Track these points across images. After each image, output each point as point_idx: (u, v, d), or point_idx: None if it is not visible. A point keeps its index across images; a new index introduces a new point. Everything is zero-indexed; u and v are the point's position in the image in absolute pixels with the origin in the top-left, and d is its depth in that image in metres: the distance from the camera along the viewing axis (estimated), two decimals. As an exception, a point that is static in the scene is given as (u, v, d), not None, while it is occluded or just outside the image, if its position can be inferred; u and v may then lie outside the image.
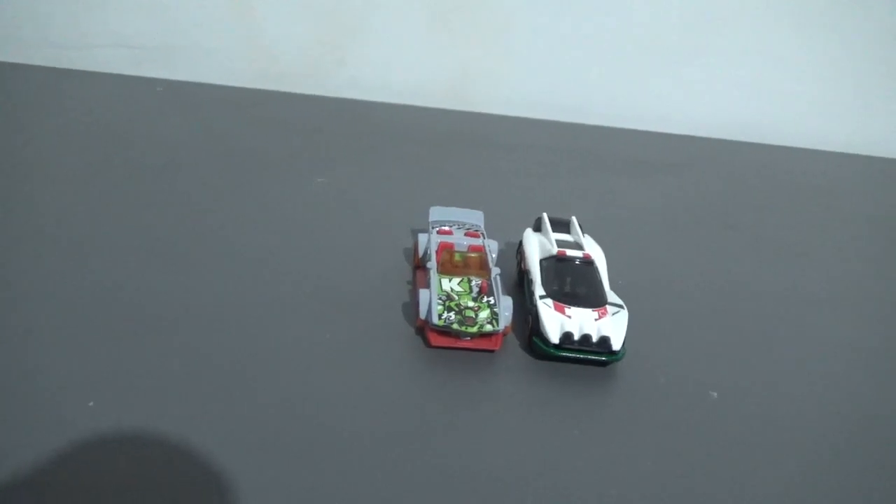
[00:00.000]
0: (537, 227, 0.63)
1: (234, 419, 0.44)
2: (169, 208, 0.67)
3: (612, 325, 0.52)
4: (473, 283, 0.54)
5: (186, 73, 1.01)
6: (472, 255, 0.57)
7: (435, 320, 0.51)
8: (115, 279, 0.55)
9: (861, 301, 0.67)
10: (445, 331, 0.51)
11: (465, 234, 0.60)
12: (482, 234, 0.60)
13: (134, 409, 0.43)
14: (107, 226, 0.63)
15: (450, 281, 0.54)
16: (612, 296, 0.55)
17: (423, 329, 0.53)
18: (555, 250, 0.57)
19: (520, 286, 0.61)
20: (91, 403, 0.43)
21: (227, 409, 0.44)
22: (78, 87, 0.94)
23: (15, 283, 0.54)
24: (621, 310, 0.54)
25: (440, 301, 0.52)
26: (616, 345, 0.51)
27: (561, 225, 0.62)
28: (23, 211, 0.64)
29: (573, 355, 0.51)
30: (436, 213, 0.62)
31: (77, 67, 0.99)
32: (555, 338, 0.51)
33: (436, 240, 0.58)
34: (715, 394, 0.52)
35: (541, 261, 0.57)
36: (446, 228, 0.60)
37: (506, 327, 0.52)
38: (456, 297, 0.53)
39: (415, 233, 0.64)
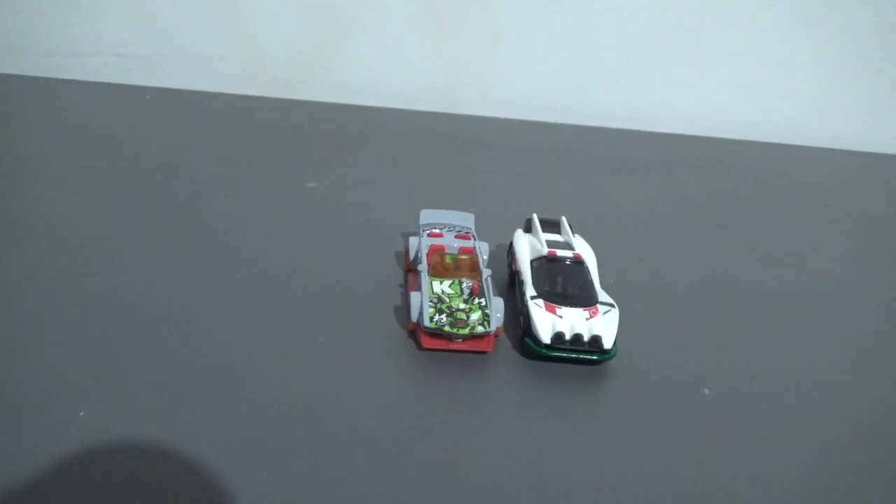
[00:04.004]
0: (528, 228, 0.63)
1: (226, 423, 0.44)
2: (159, 214, 0.67)
3: (603, 324, 0.52)
4: (464, 284, 0.54)
5: (176, 81, 1.00)
6: (463, 257, 0.57)
7: (426, 322, 0.51)
8: (106, 284, 0.55)
9: (853, 298, 0.68)
10: (437, 333, 0.51)
11: (456, 237, 0.60)
12: (473, 236, 0.61)
13: (124, 415, 0.43)
14: (98, 231, 0.63)
15: (441, 283, 0.54)
16: (602, 295, 0.55)
17: (415, 331, 0.53)
18: (545, 251, 0.57)
19: (511, 287, 0.61)
20: (82, 413, 0.43)
21: (219, 414, 0.44)
22: (67, 95, 0.94)
23: (5, 289, 0.54)
24: (612, 309, 0.54)
25: (431, 303, 0.52)
26: (607, 344, 0.51)
27: (551, 225, 0.62)
28: (12, 216, 0.64)
29: (565, 355, 0.51)
30: (426, 216, 0.62)
31: (66, 77, 0.99)
32: (546, 338, 0.51)
33: (426, 242, 0.58)
34: (707, 391, 0.52)
35: (531, 261, 0.57)
36: (437, 231, 0.60)
37: (497, 328, 0.52)
38: (447, 300, 0.53)
39: (406, 236, 0.64)
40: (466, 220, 0.63)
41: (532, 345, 0.52)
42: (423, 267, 0.55)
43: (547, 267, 0.56)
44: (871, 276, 0.73)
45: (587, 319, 0.52)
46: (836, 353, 0.59)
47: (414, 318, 0.52)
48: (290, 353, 0.50)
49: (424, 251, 0.57)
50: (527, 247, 0.60)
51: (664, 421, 0.49)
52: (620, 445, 0.46)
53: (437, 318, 0.51)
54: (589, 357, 0.52)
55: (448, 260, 0.57)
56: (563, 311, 0.52)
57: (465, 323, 0.51)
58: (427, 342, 0.52)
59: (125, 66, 1.01)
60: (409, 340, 0.53)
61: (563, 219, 0.63)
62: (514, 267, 0.60)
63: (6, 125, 0.85)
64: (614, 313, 0.53)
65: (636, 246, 0.72)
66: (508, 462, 0.44)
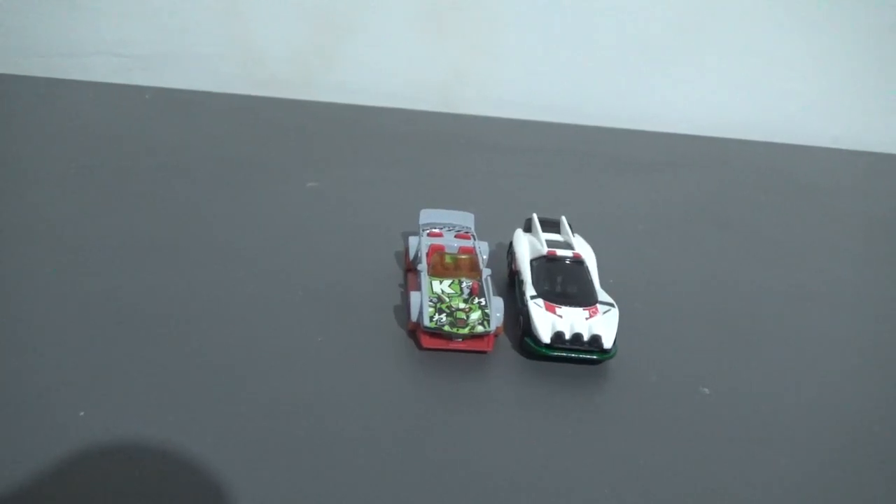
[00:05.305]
0: (527, 228, 0.63)
1: (226, 423, 0.44)
2: (159, 214, 0.67)
3: (603, 324, 0.52)
4: (464, 284, 0.54)
5: (176, 81, 1.00)
6: (463, 256, 0.57)
7: (426, 322, 0.51)
8: (106, 284, 0.55)
9: (853, 298, 0.68)
10: (437, 332, 0.51)
11: (456, 236, 0.60)
12: (473, 235, 0.61)
13: (124, 415, 0.43)
14: (98, 231, 0.63)
15: (441, 283, 0.54)
16: (602, 294, 0.55)
17: (415, 331, 0.53)
18: (545, 250, 0.57)
19: (511, 287, 0.61)
20: (82, 413, 0.43)
21: (219, 414, 0.44)
22: (67, 95, 0.94)
23: (4, 289, 0.54)
24: (612, 308, 0.54)
25: (431, 303, 0.52)
26: (607, 343, 0.51)
27: (551, 225, 0.62)
28: (12, 216, 0.64)
29: (565, 354, 0.51)
30: (426, 215, 0.62)
31: (66, 77, 0.99)
32: (546, 337, 0.51)
33: (426, 242, 0.58)
34: (707, 390, 0.52)
35: (531, 261, 0.57)
36: (437, 231, 0.60)
37: (497, 328, 0.52)
38: (447, 299, 0.53)
39: (406, 236, 0.64)
40: (466, 219, 0.63)
41: (532, 344, 0.52)
42: (422, 267, 0.55)
43: (547, 267, 0.56)
44: (871, 276, 0.73)
45: (587, 319, 0.52)
46: (836, 353, 0.59)
47: (414, 317, 0.52)
48: (290, 353, 0.50)
49: (424, 251, 0.57)
50: (527, 246, 0.60)
51: (664, 421, 0.48)
52: (620, 445, 0.46)
53: (436, 317, 0.51)
54: (589, 357, 0.52)
55: (448, 260, 0.57)
56: (563, 310, 0.52)
57: (465, 322, 0.51)
58: (427, 342, 0.52)
59: (125, 66, 1.01)
60: (409, 340, 0.53)
61: (563, 218, 0.63)
62: (513, 267, 0.60)
63: (6, 125, 0.85)
64: (614, 313, 0.53)
65: (636, 246, 0.72)
66: (508, 462, 0.44)
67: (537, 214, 0.63)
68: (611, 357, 0.52)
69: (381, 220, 0.69)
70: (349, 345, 0.52)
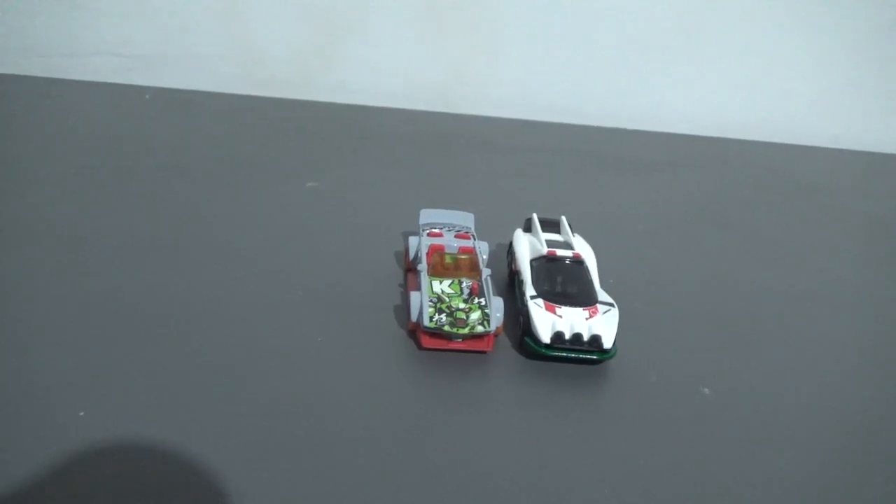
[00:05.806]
0: (527, 228, 0.63)
1: (226, 423, 0.44)
2: (159, 214, 0.67)
3: (602, 324, 0.52)
4: (464, 284, 0.54)
5: (176, 81, 1.00)
6: (463, 256, 0.57)
7: (426, 322, 0.51)
8: (106, 284, 0.55)
9: (853, 298, 0.68)
10: (437, 332, 0.51)
11: (456, 236, 0.60)
12: (472, 235, 0.61)
13: (124, 415, 0.43)
14: (98, 231, 0.63)
15: (441, 283, 0.54)
16: (602, 294, 0.55)
17: (415, 331, 0.53)
18: (545, 250, 0.57)
19: (511, 287, 0.61)
20: (82, 413, 0.43)
21: (219, 414, 0.44)
22: (67, 95, 0.94)
23: (4, 289, 0.54)
24: (612, 308, 0.54)
25: (431, 303, 0.52)
26: (607, 343, 0.51)
27: (551, 225, 0.62)
28: (12, 216, 0.64)
29: (565, 354, 0.51)
30: (426, 215, 0.62)
31: (66, 77, 0.99)
32: (546, 337, 0.51)
33: (426, 242, 0.58)
34: (707, 390, 0.52)
35: (531, 261, 0.57)
36: (437, 231, 0.60)
37: (497, 328, 0.52)
38: (447, 299, 0.53)
39: (406, 236, 0.64)
40: (466, 219, 0.63)
41: (532, 344, 0.52)
42: (422, 267, 0.55)
43: (547, 267, 0.56)
44: (871, 276, 0.73)
45: (587, 319, 0.52)
46: (836, 353, 0.59)
47: (414, 317, 0.52)
48: (290, 353, 0.50)
49: (424, 251, 0.57)
50: (527, 246, 0.60)
51: (664, 421, 0.48)
52: (620, 445, 0.46)
53: (436, 317, 0.51)
54: (589, 357, 0.52)
55: (448, 260, 0.57)
56: (563, 310, 0.52)
57: (465, 322, 0.51)
58: (427, 342, 0.52)
59: (125, 66, 1.01)
60: (409, 340, 0.53)
61: (563, 218, 0.63)
62: (513, 267, 0.60)
63: (6, 125, 0.85)
64: (614, 313, 0.53)
65: (636, 246, 0.72)
66: (508, 462, 0.44)
67: (537, 214, 0.63)
68: (611, 357, 0.52)
69: (381, 220, 0.69)
70: (349, 345, 0.52)
